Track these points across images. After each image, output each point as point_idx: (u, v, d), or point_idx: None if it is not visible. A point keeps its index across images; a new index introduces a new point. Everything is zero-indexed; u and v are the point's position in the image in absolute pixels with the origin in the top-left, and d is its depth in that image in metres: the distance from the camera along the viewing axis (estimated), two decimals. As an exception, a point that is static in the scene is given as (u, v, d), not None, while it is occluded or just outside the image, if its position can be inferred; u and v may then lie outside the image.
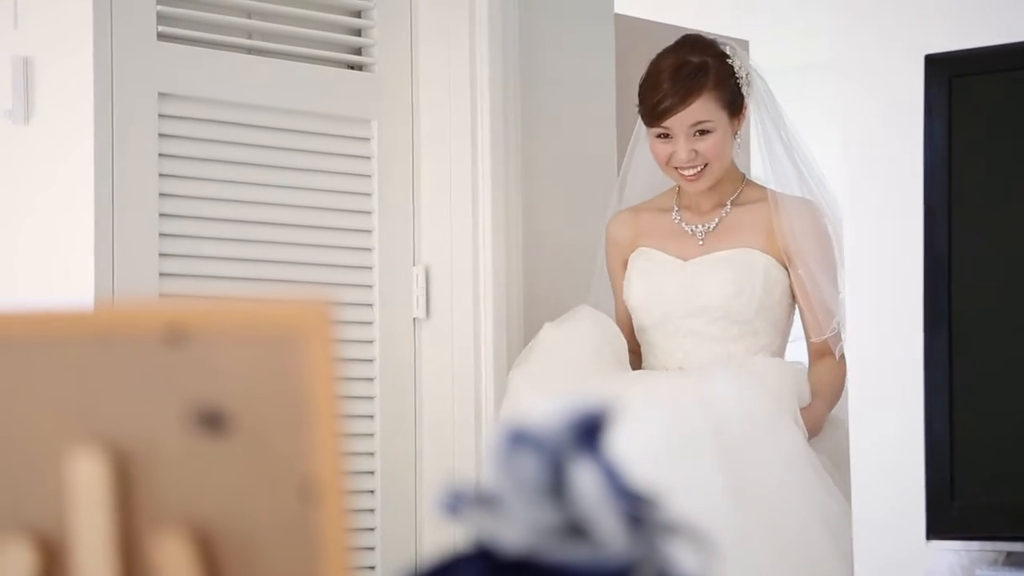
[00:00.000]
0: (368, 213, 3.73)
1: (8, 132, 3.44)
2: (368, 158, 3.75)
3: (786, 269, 3.57)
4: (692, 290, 3.56)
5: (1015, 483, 2.53)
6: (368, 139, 3.75)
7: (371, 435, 3.70)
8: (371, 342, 3.72)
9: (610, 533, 1.10)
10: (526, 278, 3.85)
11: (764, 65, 3.82)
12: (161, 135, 3.42)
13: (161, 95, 3.43)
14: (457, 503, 1.11)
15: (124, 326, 1.21)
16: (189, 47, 3.49)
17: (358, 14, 3.80)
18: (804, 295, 3.56)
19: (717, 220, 3.62)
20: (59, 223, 3.38)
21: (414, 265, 3.80)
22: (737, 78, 3.58)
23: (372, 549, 3.68)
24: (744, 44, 4.94)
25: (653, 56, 3.61)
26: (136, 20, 3.40)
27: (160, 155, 3.42)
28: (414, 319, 3.79)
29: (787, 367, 3.50)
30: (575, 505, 1.10)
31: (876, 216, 2.84)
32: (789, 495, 3.20)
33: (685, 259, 3.61)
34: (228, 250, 3.52)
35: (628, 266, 3.68)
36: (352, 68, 3.78)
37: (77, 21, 3.35)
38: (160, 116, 3.42)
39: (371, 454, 3.70)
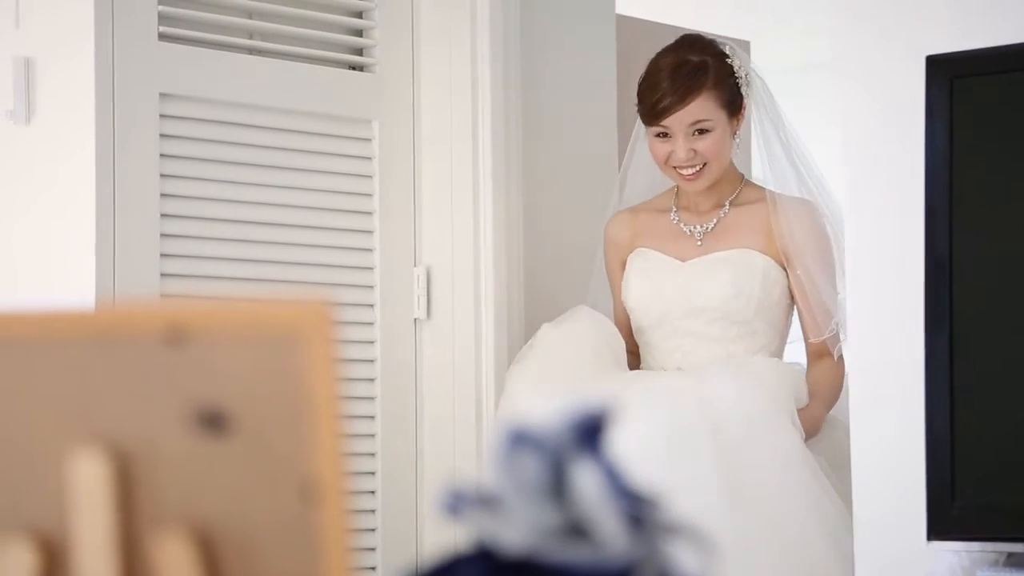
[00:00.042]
0: (369, 214, 3.73)
1: (9, 132, 3.44)
2: (369, 158, 3.75)
3: (785, 270, 3.57)
4: (690, 291, 3.56)
5: (1016, 484, 2.53)
6: (369, 139, 3.75)
7: (372, 436, 3.70)
8: (372, 342, 3.72)
9: (611, 534, 1.10)
10: (527, 279, 3.85)
11: (765, 66, 3.82)
12: (162, 135, 3.42)
13: (162, 95, 3.43)
14: (458, 503, 1.11)
15: (125, 326, 1.21)
16: (190, 47, 3.49)
17: (359, 14, 3.80)
18: (803, 296, 3.56)
19: (715, 221, 3.62)
20: (60, 223, 3.38)
21: (415, 266, 3.80)
22: (736, 78, 3.57)
23: (373, 550, 3.68)
24: (745, 45, 4.94)
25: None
26: (137, 20, 3.40)
27: (161, 155, 3.42)
28: (415, 320, 3.79)
29: (785, 367, 3.50)
30: (576, 505, 1.10)
31: (877, 217, 2.84)
32: (786, 496, 3.20)
33: (683, 260, 3.61)
34: (229, 250, 3.52)
35: (626, 267, 3.68)
36: (353, 68, 3.78)
37: (78, 21, 3.35)
38: (161, 116, 3.42)
39: (372, 454, 3.70)
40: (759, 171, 3.80)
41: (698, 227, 3.62)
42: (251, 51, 3.61)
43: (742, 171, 3.71)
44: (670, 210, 3.67)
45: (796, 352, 3.66)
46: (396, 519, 3.71)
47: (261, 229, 3.56)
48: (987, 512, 2.53)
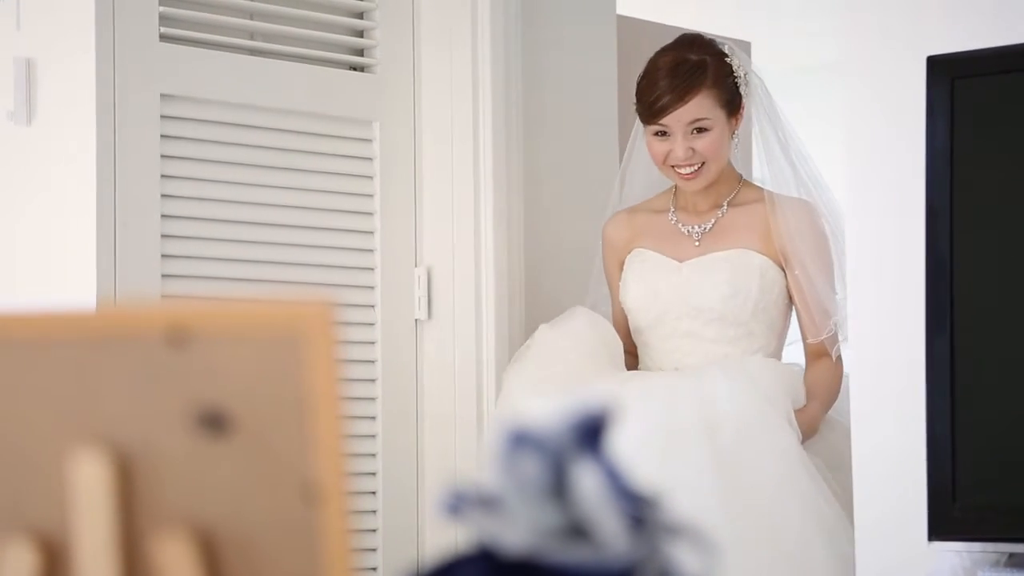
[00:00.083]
0: (370, 214, 3.73)
1: (10, 133, 3.44)
2: (370, 159, 3.75)
3: (783, 270, 3.56)
4: (688, 291, 3.55)
5: (1017, 484, 2.53)
6: (370, 140, 3.75)
7: (373, 436, 3.70)
8: (373, 343, 3.72)
9: (612, 534, 1.10)
10: (528, 279, 3.85)
11: (766, 67, 3.82)
12: (163, 136, 3.42)
13: (163, 96, 3.43)
14: (458, 504, 1.11)
15: (126, 327, 1.21)
16: (191, 48, 3.50)
17: (360, 15, 3.80)
18: (801, 296, 3.55)
19: (713, 221, 3.61)
20: (61, 224, 3.38)
21: (416, 266, 3.80)
22: (735, 77, 3.57)
23: (374, 550, 3.68)
24: (746, 46, 4.94)
25: (655, 56, 3.61)
26: (138, 21, 3.40)
27: (162, 156, 3.42)
28: (416, 320, 3.79)
29: (782, 368, 3.49)
30: (577, 506, 1.10)
31: (878, 217, 2.84)
32: (782, 497, 3.19)
33: (681, 260, 3.60)
34: (230, 251, 3.52)
35: (624, 267, 3.67)
36: (354, 69, 3.78)
37: (79, 22, 3.35)
38: (162, 117, 3.42)
39: (373, 455, 3.70)
40: (758, 171, 3.80)
41: (696, 227, 3.62)
42: (252, 52, 3.61)
43: (743, 172, 3.71)
44: (668, 210, 3.67)
45: (795, 353, 3.66)
46: (397, 519, 3.72)
47: (262, 230, 3.56)
48: (988, 512, 2.53)
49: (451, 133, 3.79)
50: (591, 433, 1.12)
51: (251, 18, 3.64)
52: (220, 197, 3.51)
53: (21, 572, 1.21)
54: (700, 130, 3.52)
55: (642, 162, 3.70)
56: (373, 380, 3.71)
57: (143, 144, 3.39)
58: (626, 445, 2.88)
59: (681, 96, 3.50)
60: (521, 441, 1.11)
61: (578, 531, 1.10)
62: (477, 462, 3.64)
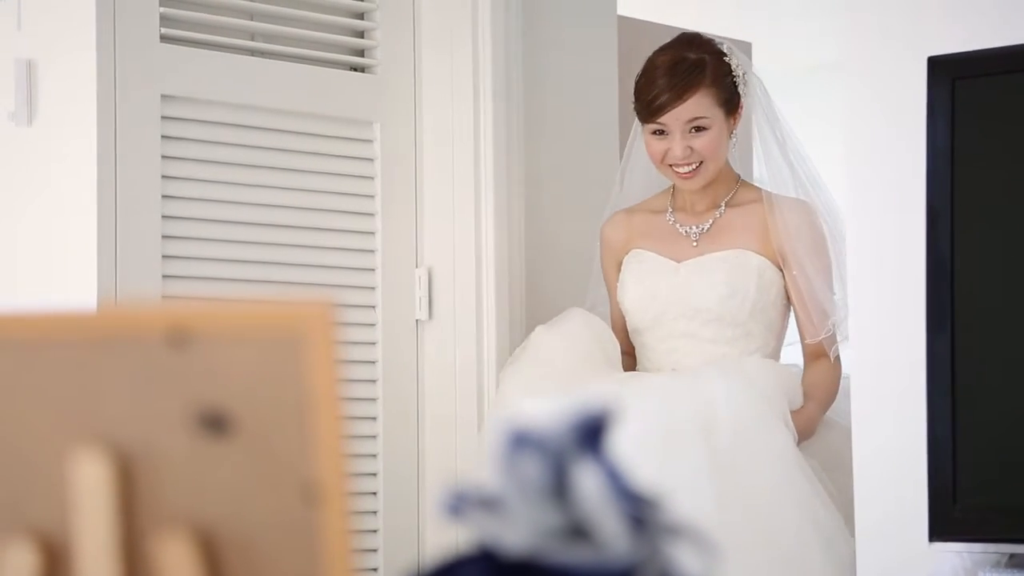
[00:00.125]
0: (371, 215, 3.73)
1: (11, 134, 3.44)
2: (371, 160, 3.75)
3: (781, 270, 3.56)
4: (686, 292, 3.55)
5: (1018, 485, 2.53)
6: (371, 141, 3.75)
7: (374, 437, 3.70)
8: (374, 344, 3.72)
9: (613, 535, 1.10)
10: (528, 280, 3.85)
11: (767, 67, 3.82)
12: (164, 137, 3.42)
13: (164, 97, 3.43)
14: (459, 504, 1.11)
15: (127, 328, 1.21)
16: (192, 49, 3.50)
17: (361, 16, 3.80)
18: (799, 296, 3.54)
19: (711, 221, 3.61)
20: (61, 225, 3.38)
21: (417, 267, 3.80)
22: (734, 76, 3.56)
23: (375, 551, 3.68)
24: (746, 46, 4.94)
25: (655, 57, 3.61)
26: (139, 22, 3.40)
27: (163, 157, 3.42)
28: (417, 321, 3.79)
29: (779, 368, 3.48)
30: (577, 506, 1.10)
31: (878, 218, 2.84)
32: (777, 498, 3.18)
33: (679, 261, 3.60)
34: (231, 252, 3.52)
35: (622, 268, 3.67)
36: (355, 70, 3.78)
37: (80, 23, 3.35)
38: (163, 118, 3.42)
39: (374, 455, 3.70)
40: (757, 171, 3.80)
41: (694, 228, 3.62)
42: (253, 53, 3.61)
43: (743, 173, 3.70)
44: (666, 211, 3.66)
45: (794, 354, 3.65)
46: (398, 520, 3.72)
47: (263, 230, 3.56)
48: (989, 513, 2.53)
49: (452, 134, 3.79)
50: (592, 434, 1.12)
51: (252, 19, 3.64)
52: (221, 198, 3.51)
53: (22, 572, 1.21)
54: (698, 129, 3.51)
55: (641, 162, 3.70)
56: (374, 381, 3.71)
57: (144, 145, 3.39)
58: (623, 446, 2.88)
59: (679, 94, 3.50)
60: (522, 442, 1.11)
61: (579, 532, 1.10)
62: (476, 462, 3.64)
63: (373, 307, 3.73)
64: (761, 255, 3.55)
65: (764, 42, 6.37)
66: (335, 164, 3.69)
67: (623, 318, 3.66)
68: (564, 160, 4.00)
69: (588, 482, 1.10)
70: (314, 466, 1.19)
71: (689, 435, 3.18)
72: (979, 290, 2.53)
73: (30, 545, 1.22)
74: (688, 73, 3.50)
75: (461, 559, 1.12)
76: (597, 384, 3.38)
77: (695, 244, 3.60)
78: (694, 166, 3.52)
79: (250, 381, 1.19)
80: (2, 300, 3.43)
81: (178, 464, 1.21)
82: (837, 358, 3.53)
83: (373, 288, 3.73)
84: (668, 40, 3.65)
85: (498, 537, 1.11)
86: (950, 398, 2.50)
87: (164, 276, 3.40)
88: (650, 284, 3.59)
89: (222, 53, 3.55)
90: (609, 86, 4.12)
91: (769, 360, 3.52)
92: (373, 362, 3.72)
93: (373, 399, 3.71)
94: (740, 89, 3.57)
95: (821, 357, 3.54)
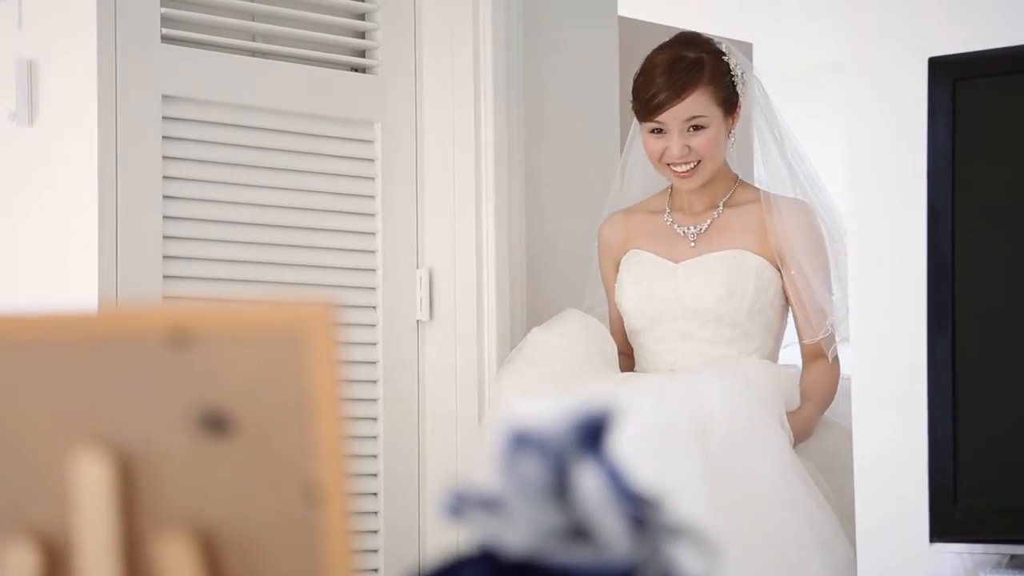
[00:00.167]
0: (372, 215, 3.74)
1: (12, 134, 3.44)
2: (372, 160, 3.75)
3: (779, 271, 3.55)
4: (683, 292, 3.54)
5: (1019, 485, 2.53)
6: (372, 141, 3.75)
7: (374, 437, 3.70)
8: (374, 344, 3.72)
9: (613, 535, 1.10)
10: (529, 280, 3.85)
11: (767, 68, 3.82)
12: (165, 137, 3.42)
13: (165, 97, 3.43)
14: (460, 505, 1.11)
15: (128, 328, 1.21)
16: (193, 49, 3.50)
17: (362, 16, 3.80)
18: (797, 296, 3.53)
19: (709, 222, 3.60)
20: (62, 225, 3.39)
21: (417, 267, 3.80)
22: (732, 76, 3.56)
23: (375, 551, 3.68)
24: (748, 47, 4.94)
25: (655, 56, 3.60)
26: (140, 22, 3.40)
27: (164, 157, 3.42)
28: (417, 321, 3.79)
29: (775, 369, 3.47)
30: (578, 507, 1.10)
31: (879, 218, 2.84)
32: (772, 500, 3.16)
33: (676, 261, 3.59)
34: (231, 252, 3.52)
35: (620, 269, 3.66)
36: (356, 70, 3.78)
37: (81, 23, 3.35)
38: (164, 118, 3.42)
39: (374, 456, 3.70)
40: (757, 172, 3.79)
41: (691, 228, 3.61)
42: (254, 53, 3.61)
43: (744, 174, 3.70)
44: (664, 211, 3.66)
45: (794, 355, 3.64)
46: (398, 521, 3.71)
47: (263, 231, 3.56)
48: (990, 514, 2.53)
49: (452, 134, 3.79)
50: (592, 434, 1.12)
51: (252, 19, 3.64)
52: (221, 198, 3.51)
53: (23, 573, 1.21)
54: (696, 128, 3.51)
55: (640, 161, 3.69)
56: (374, 381, 3.71)
57: (144, 145, 3.39)
58: (619, 447, 2.87)
59: (678, 93, 3.49)
60: (522, 442, 1.11)
61: (579, 532, 1.10)
62: (475, 463, 3.64)
63: (374, 307, 3.73)
64: (759, 255, 3.55)
65: (764, 42, 6.37)
66: (336, 164, 3.69)
67: (621, 319, 3.66)
68: (565, 161, 4.00)
69: (589, 482, 1.10)
70: (315, 466, 1.19)
71: (684, 436, 3.17)
72: (980, 291, 2.53)
73: (31, 545, 1.22)
74: (686, 72, 3.50)
75: (462, 559, 1.12)
76: (594, 384, 3.38)
77: (693, 244, 3.60)
78: (692, 165, 3.52)
79: (251, 381, 1.19)
80: (3, 300, 3.43)
81: (179, 464, 1.21)
82: (835, 358, 3.52)
83: (374, 288, 3.73)
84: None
85: (499, 537, 1.11)
86: (951, 399, 2.50)
87: (165, 276, 3.40)
88: (648, 285, 3.59)
89: (223, 53, 3.55)
90: (610, 87, 4.12)
91: (767, 361, 3.51)
92: (374, 362, 3.72)
93: (374, 399, 3.71)
94: (738, 89, 3.57)
95: (819, 357, 3.53)
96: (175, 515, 1.21)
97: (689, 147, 3.50)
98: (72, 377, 1.21)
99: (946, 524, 2.51)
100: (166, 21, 3.45)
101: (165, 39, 3.44)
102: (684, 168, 3.52)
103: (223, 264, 3.50)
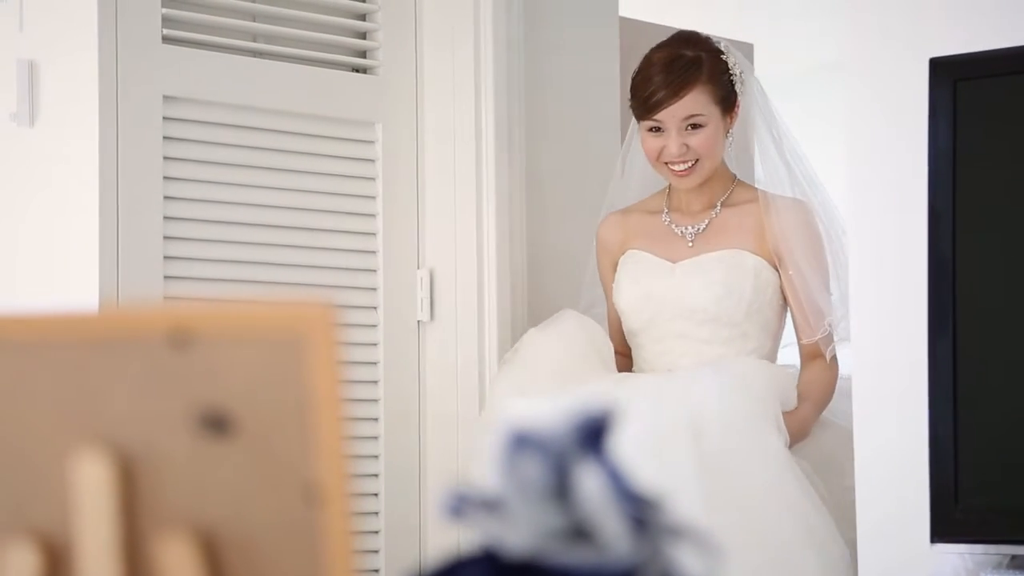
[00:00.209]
0: (372, 216, 3.74)
1: (13, 134, 3.44)
2: (372, 161, 3.75)
3: (776, 270, 3.54)
4: (681, 292, 3.53)
5: (1020, 486, 2.53)
6: (373, 142, 3.75)
7: (375, 438, 3.70)
8: (375, 345, 3.72)
9: (614, 536, 1.10)
10: (530, 281, 3.85)
11: (768, 68, 3.82)
12: (166, 138, 3.43)
13: (166, 98, 3.43)
14: (461, 506, 1.11)
15: (128, 329, 1.21)
16: (194, 50, 3.50)
17: (363, 17, 3.80)
18: (795, 296, 3.52)
19: (707, 221, 3.60)
20: (63, 226, 3.39)
21: (418, 268, 3.80)
22: (731, 75, 3.55)
23: (376, 552, 3.68)
24: (748, 48, 4.94)
25: (655, 56, 3.60)
26: (141, 23, 3.40)
27: (165, 158, 3.42)
28: (418, 322, 3.79)
29: (772, 369, 3.46)
30: (579, 508, 1.10)
31: (879, 218, 2.84)
32: (767, 501, 3.15)
33: (674, 261, 3.58)
34: (232, 253, 3.52)
35: (618, 269, 3.66)
36: (357, 71, 3.78)
37: (82, 24, 3.35)
38: (165, 119, 3.42)
39: (375, 457, 3.70)
40: (758, 172, 3.79)
41: (689, 228, 3.61)
42: (255, 54, 3.61)
43: (745, 174, 3.70)
44: (662, 211, 3.65)
45: (793, 356, 3.64)
46: (399, 521, 3.72)
47: (264, 231, 3.56)
48: (991, 514, 2.53)
49: (453, 134, 3.79)
50: (593, 435, 1.12)
51: (253, 20, 3.64)
52: (222, 199, 3.51)
53: (23, 573, 1.21)
54: (694, 126, 3.50)
55: (638, 159, 3.69)
56: (375, 382, 3.71)
57: (145, 146, 3.39)
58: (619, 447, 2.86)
59: (676, 91, 3.49)
60: (523, 443, 1.11)
61: (580, 533, 1.10)
62: (471, 463, 3.63)
63: (374, 308, 3.73)
64: (757, 255, 3.54)
65: (764, 43, 6.37)
66: (336, 165, 3.69)
67: (620, 319, 3.65)
68: (565, 161, 4.00)
69: (589, 483, 1.10)
70: (315, 467, 1.19)
71: (679, 437, 3.16)
72: (981, 291, 2.54)
73: (32, 546, 1.22)
74: (685, 70, 3.50)
75: (463, 560, 1.12)
76: (589, 385, 3.37)
77: (691, 244, 3.59)
78: (690, 164, 3.51)
79: (251, 382, 1.19)
80: (4, 301, 3.43)
81: (179, 465, 1.21)
82: (833, 358, 3.52)
83: (374, 289, 3.73)
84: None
85: (500, 538, 1.11)
86: (952, 399, 2.50)
87: (166, 277, 3.40)
88: (645, 285, 3.58)
89: (224, 54, 3.55)
90: (610, 87, 4.12)
91: (764, 361, 3.50)
92: (374, 363, 3.72)
93: (374, 400, 3.71)
94: (737, 88, 3.56)
95: (817, 357, 3.53)
96: (176, 515, 1.21)
97: (687, 146, 3.50)
98: (73, 377, 1.21)
99: (947, 524, 2.51)
100: (167, 22, 3.45)
101: (166, 39, 3.44)
102: (682, 167, 3.51)
103: (224, 264, 3.50)
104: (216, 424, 1.20)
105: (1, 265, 3.49)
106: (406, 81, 3.81)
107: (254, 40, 3.63)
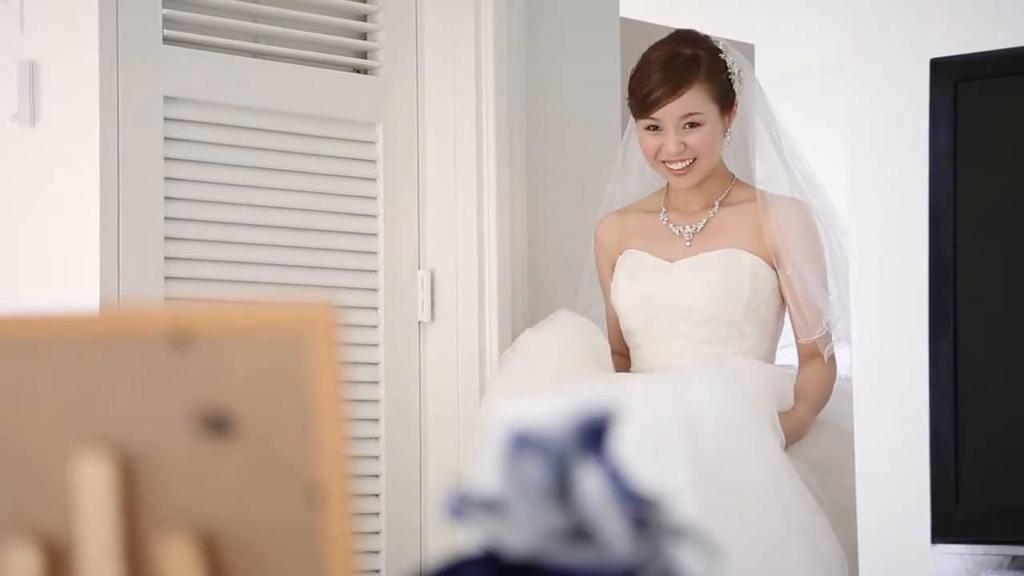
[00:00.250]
0: (373, 216, 3.74)
1: (14, 135, 3.44)
2: (373, 161, 3.75)
3: (774, 270, 3.54)
4: (678, 292, 3.53)
5: (1020, 486, 2.53)
6: (373, 142, 3.75)
7: (376, 438, 3.70)
8: (376, 345, 3.72)
9: (615, 536, 1.10)
10: (531, 281, 3.85)
11: (768, 69, 3.82)
12: (166, 138, 3.43)
13: (166, 98, 3.43)
14: (462, 506, 1.11)
15: (129, 329, 1.21)
16: (195, 50, 3.50)
17: (363, 17, 3.80)
18: (793, 296, 3.52)
19: (705, 221, 3.59)
20: (64, 226, 3.39)
21: (419, 268, 3.80)
22: (729, 73, 3.55)
23: (377, 552, 3.68)
24: (749, 48, 4.94)
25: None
26: (142, 23, 3.40)
27: (165, 159, 3.42)
28: (419, 322, 3.79)
29: (769, 369, 3.45)
30: (580, 508, 1.11)
31: (879, 219, 2.84)
32: (763, 502, 3.14)
33: (672, 261, 3.58)
34: (233, 253, 3.52)
35: (616, 269, 3.66)
36: (357, 71, 3.78)
37: (82, 24, 3.35)
38: (165, 119, 3.43)
39: (376, 457, 3.70)
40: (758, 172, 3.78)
41: (687, 228, 3.60)
42: (256, 54, 3.61)
43: (744, 173, 3.69)
44: (659, 211, 3.65)
45: (792, 355, 3.64)
46: (400, 522, 3.72)
47: (265, 232, 3.56)
48: (991, 515, 2.53)
49: (454, 135, 3.79)
50: (594, 435, 1.12)
51: (254, 20, 3.64)
52: (223, 199, 3.51)
53: (25, 574, 1.21)
54: (692, 125, 3.50)
55: (637, 159, 3.69)
56: (376, 382, 3.71)
57: (146, 146, 3.39)
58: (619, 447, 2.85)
59: (674, 90, 3.48)
60: (524, 443, 1.12)
61: (581, 533, 1.10)
62: (471, 464, 3.63)
63: (375, 309, 3.73)
64: (755, 254, 3.53)
65: (764, 43, 6.37)
66: (337, 166, 3.69)
67: (618, 319, 3.65)
68: (566, 161, 4.00)
69: (590, 483, 1.10)
70: (316, 467, 1.19)
71: (673, 437, 3.15)
72: (981, 292, 2.54)
73: (33, 547, 1.22)
74: (683, 68, 3.49)
75: (464, 561, 1.12)
76: (585, 385, 3.37)
77: (688, 244, 3.59)
78: (688, 162, 3.51)
79: (252, 383, 1.19)
80: (4, 301, 3.43)
81: (180, 465, 1.21)
82: (831, 358, 3.51)
83: (375, 290, 3.73)
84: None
85: (500, 538, 1.11)
86: (952, 399, 2.50)
87: (166, 277, 3.40)
88: (643, 284, 3.58)
89: (225, 55, 3.55)
90: (611, 87, 4.12)
91: (760, 361, 3.49)
92: (375, 364, 3.72)
93: (375, 401, 3.71)
94: (735, 87, 3.56)
95: (815, 357, 3.52)
96: (177, 516, 1.21)
97: (685, 144, 3.49)
98: (74, 378, 1.21)
99: (947, 525, 2.51)
100: (167, 22, 3.45)
101: (167, 40, 3.44)
102: (680, 165, 3.51)
103: (224, 265, 3.50)
104: (217, 425, 1.20)
105: (2, 265, 3.49)
106: (407, 82, 3.81)
107: (255, 41, 3.63)
